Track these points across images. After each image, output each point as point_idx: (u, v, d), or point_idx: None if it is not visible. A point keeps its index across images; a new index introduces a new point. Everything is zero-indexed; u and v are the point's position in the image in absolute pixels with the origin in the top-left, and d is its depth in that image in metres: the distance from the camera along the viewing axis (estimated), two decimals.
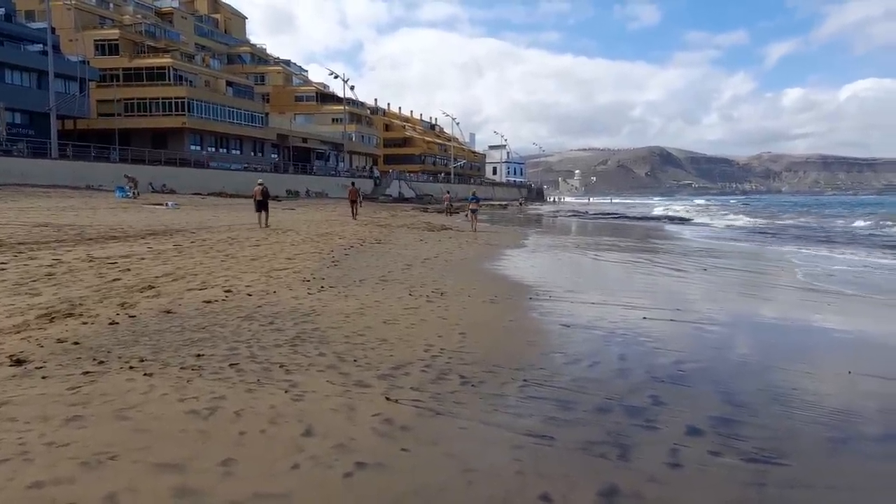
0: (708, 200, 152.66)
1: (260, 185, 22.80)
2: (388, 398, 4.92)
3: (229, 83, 59.68)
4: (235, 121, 57.91)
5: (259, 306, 8.21)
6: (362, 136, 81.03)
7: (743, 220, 45.20)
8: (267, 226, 21.48)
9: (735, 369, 6.29)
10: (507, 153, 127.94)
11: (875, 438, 4.52)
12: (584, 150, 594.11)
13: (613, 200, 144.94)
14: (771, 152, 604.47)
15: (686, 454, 4.10)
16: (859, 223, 38.23)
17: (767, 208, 76.30)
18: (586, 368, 6.01)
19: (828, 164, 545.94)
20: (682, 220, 45.92)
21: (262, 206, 22.04)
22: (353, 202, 31.09)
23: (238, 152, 59.70)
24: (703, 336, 7.66)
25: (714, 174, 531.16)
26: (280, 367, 5.62)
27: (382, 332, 7.06)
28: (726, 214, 55.10)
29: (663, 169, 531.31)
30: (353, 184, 34.56)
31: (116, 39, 53.75)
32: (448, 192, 46.46)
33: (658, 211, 69.14)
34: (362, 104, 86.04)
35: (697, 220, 47.65)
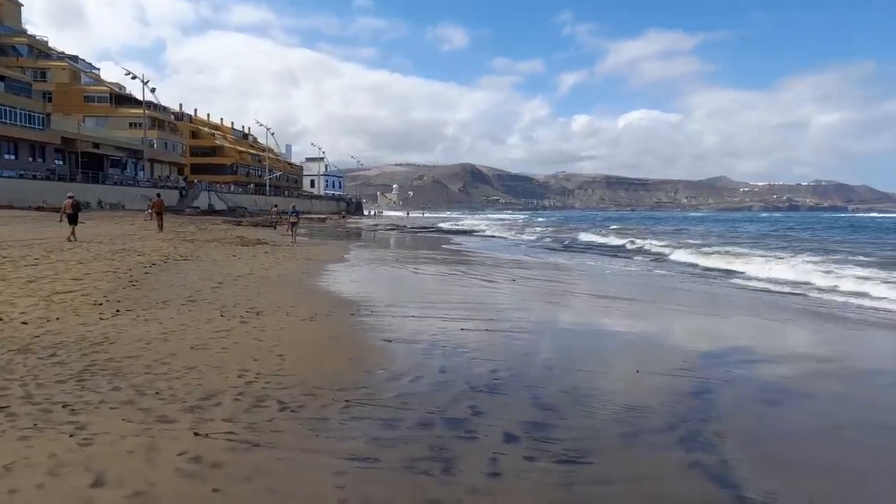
0: (510, 215, 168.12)
1: (70, 197, 21.83)
2: (196, 433, 4.49)
3: (1, 77, 51.72)
4: (8, 121, 50.20)
5: (37, 336, 7.10)
6: (165, 144, 74.79)
7: (538, 234, 50.48)
8: (75, 239, 20.16)
9: (543, 374, 6.72)
10: (326, 166, 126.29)
11: (661, 430, 5.07)
12: (402, 165, 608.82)
13: (425, 214, 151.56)
14: (565, 172, 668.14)
15: (504, 462, 4.26)
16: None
17: (561, 223, 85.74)
18: (409, 384, 6.03)
19: (611, 183, 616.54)
20: (486, 235, 49.22)
21: (72, 219, 21.16)
22: (158, 214, 29.09)
23: (12, 157, 51.73)
24: (514, 344, 8.10)
25: (518, 191, 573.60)
26: (64, 406, 4.88)
27: (190, 359, 6.48)
28: (526, 228, 62.63)
29: (474, 185, 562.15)
30: (158, 195, 32.07)
31: None
32: (276, 206, 44.61)
33: (467, 225, 73.13)
34: (165, 109, 79.55)
35: (503, 234, 51.18)
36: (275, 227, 38.91)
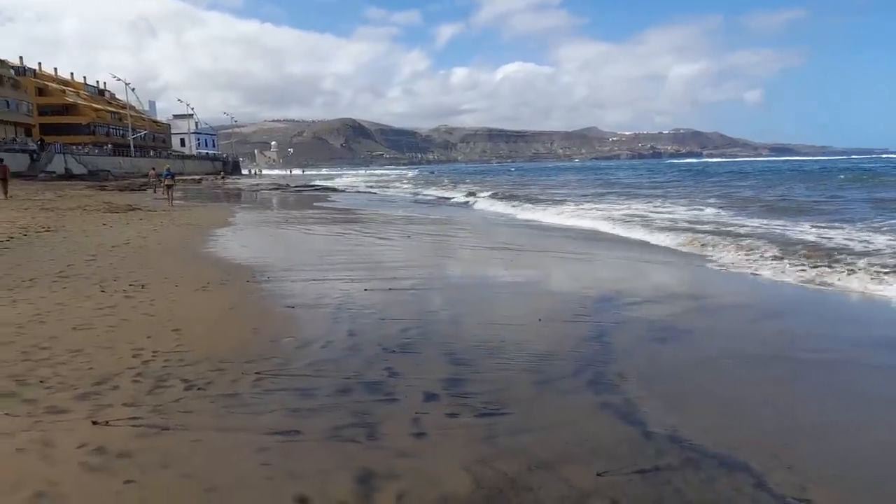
0: (393, 169, 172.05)
1: None
2: (95, 422, 4.15)
3: None
4: None
5: None
6: (7, 102, 66.63)
7: (424, 188, 51.57)
8: None
9: (452, 330, 6.82)
10: (196, 123, 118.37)
11: (570, 375, 5.33)
12: (279, 121, 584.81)
13: (305, 172, 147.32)
14: (447, 125, 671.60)
15: (427, 421, 4.31)
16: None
17: (445, 175, 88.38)
18: (320, 350, 5.90)
19: (492, 136, 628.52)
20: (367, 191, 49.30)
21: None
22: (2, 181, 26.99)
23: None
24: (420, 301, 8.15)
25: (402, 145, 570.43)
26: None
27: (74, 342, 5.94)
28: (410, 184, 64.43)
29: (357, 140, 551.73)
30: (1, 160, 29.29)
31: None
32: (154, 169, 41.22)
33: (348, 182, 72.11)
34: (3, 62, 70.57)
35: (389, 191, 51.22)
36: (155, 191, 36.59)
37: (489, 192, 39.30)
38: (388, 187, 57.21)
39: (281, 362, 5.48)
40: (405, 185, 60.73)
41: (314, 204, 31.25)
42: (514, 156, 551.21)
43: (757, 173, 67.89)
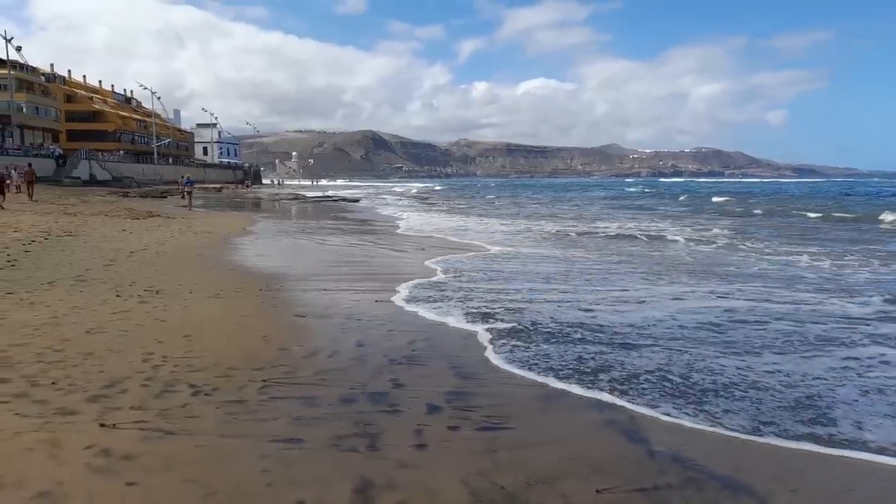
0: (408, 182, 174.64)
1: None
2: (102, 424, 4.22)
3: None
4: None
5: None
6: (36, 108, 68.19)
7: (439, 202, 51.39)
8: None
9: (458, 342, 6.83)
10: (219, 132, 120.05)
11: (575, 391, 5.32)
12: (301, 131, 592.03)
13: (319, 182, 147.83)
14: (467, 139, 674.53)
15: (429, 433, 4.32)
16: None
17: (460, 191, 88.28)
18: (327, 359, 5.95)
19: (511, 150, 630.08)
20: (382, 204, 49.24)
21: None
22: (30, 184, 29.29)
23: None
24: (427, 313, 8.16)
25: (421, 158, 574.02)
26: None
27: (87, 345, 6.04)
28: (429, 198, 63.27)
29: (377, 152, 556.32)
30: (29, 165, 30.84)
31: None
32: (182, 176, 41.88)
33: (364, 193, 72.34)
34: (34, 69, 72.35)
35: (402, 203, 51.48)
36: (182, 196, 37.40)
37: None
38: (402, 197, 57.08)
39: (288, 370, 5.53)
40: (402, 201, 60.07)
41: (345, 216, 31.49)
42: (532, 171, 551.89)
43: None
